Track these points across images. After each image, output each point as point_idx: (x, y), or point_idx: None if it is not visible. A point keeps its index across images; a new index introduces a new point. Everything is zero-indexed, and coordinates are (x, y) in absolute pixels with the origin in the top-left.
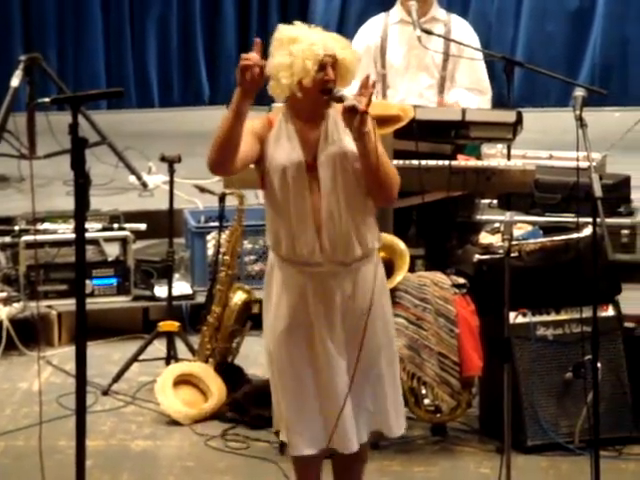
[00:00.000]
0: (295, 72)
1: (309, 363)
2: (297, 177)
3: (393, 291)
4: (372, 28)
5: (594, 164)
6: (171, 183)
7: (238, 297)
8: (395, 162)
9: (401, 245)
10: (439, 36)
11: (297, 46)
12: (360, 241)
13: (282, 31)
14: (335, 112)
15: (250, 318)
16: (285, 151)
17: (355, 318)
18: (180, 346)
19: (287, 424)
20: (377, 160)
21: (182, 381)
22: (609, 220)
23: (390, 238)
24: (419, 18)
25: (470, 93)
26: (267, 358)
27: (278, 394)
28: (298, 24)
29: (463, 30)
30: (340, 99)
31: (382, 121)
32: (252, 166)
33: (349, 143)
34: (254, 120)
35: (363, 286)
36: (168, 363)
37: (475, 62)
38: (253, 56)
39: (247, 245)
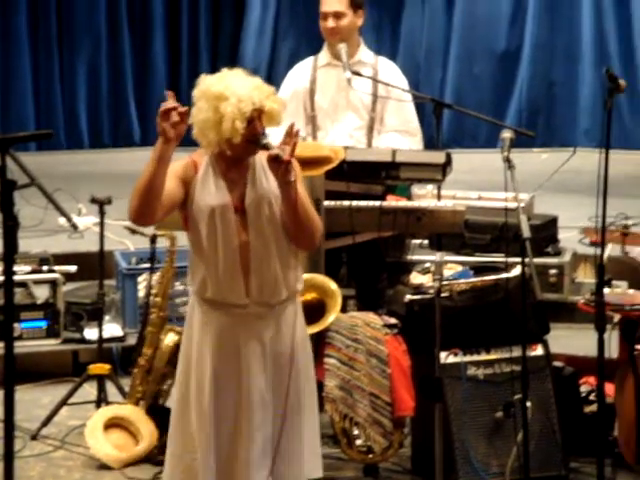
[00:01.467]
0: (224, 131)
1: (232, 408)
2: (225, 220)
3: (325, 332)
4: (300, 72)
5: (522, 205)
6: (101, 225)
7: (169, 339)
8: (326, 203)
9: (333, 286)
10: (368, 78)
11: (225, 105)
12: (286, 283)
13: (207, 84)
14: (262, 155)
15: None
16: (212, 194)
17: (279, 360)
18: (111, 389)
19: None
20: (300, 207)
21: (113, 424)
22: (537, 260)
23: (322, 279)
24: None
25: (400, 135)
26: (178, 402)
27: (185, 439)
28: (223, 73)
29: (390, 72)
30: (266, 147)
31: (313, 162)
32: None
33: (276, 188)
34: (177, 163)
35: (285, 328)
36: (99, 406)
37: (403, 104)
38: (171, 103)
39: (179, 286)
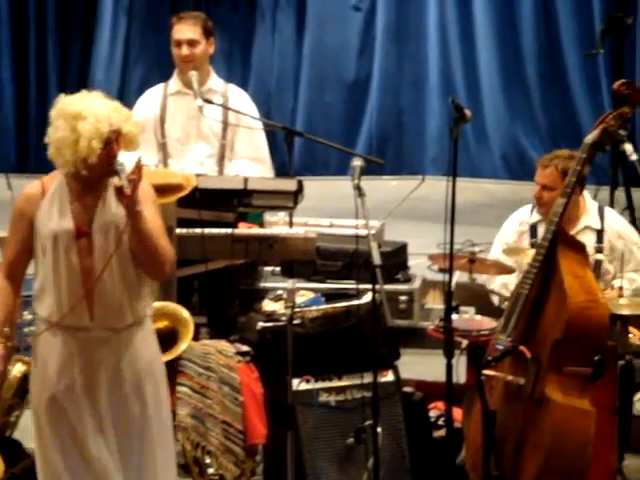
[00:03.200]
0: (80, 150)
1: (75, 434)
2: (67, 245)
3: (177, 360)
4: (151, 99)
5: (373, 232)
6: None
7: (17, 369)
8: (178, 230)
9: (185, 313)
10: (219, 105)
11: (82, 124)
12: (132, 309)
13: (65, 103)
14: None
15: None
16: (55, 219)
17: (124, 386)
18: None
19: None
20: (147, 237)
21: None
22: (388, 287)
23: (174, 306)
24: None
25: (251, 163)
26: (35, 428)
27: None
28: (82, 94)
29: (241, 100)
30: (117, 172)
31: (165, 190)
32: None
33: (123, 216)
34: (23, 197)
35: (131, 354)
36: None
37: (254, 132)
38: None
39: (27, 316)
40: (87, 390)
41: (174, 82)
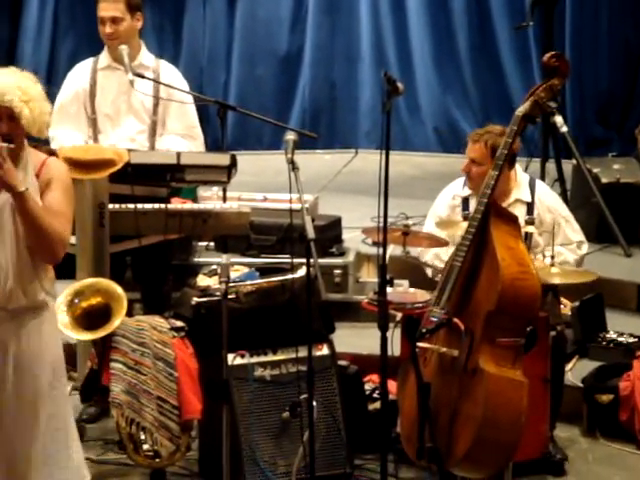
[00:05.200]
0: None
1: None
2: None
3: (111, 336)
4: (80, 74)
5: (307, 206)
6: None
7: None
8: (111, 206)
9: (118, 289)
10: (151, 80)
11: None
12: (25, 291)
13: None
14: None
15: None
16: None
17: (20, 369)
18: None
19: None
20: (34, 218)
21: None
22: (322, 260)
23: (107, 282)
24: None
25: (182, 139)
26: None
27: None
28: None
29: (172, 76)
30: None
31: (97, 165)
32: None
33: None
34: None
35: (26, 338)
36: None
37: (185, 107)
38: None
39: None
40: None
41: (104, 56)
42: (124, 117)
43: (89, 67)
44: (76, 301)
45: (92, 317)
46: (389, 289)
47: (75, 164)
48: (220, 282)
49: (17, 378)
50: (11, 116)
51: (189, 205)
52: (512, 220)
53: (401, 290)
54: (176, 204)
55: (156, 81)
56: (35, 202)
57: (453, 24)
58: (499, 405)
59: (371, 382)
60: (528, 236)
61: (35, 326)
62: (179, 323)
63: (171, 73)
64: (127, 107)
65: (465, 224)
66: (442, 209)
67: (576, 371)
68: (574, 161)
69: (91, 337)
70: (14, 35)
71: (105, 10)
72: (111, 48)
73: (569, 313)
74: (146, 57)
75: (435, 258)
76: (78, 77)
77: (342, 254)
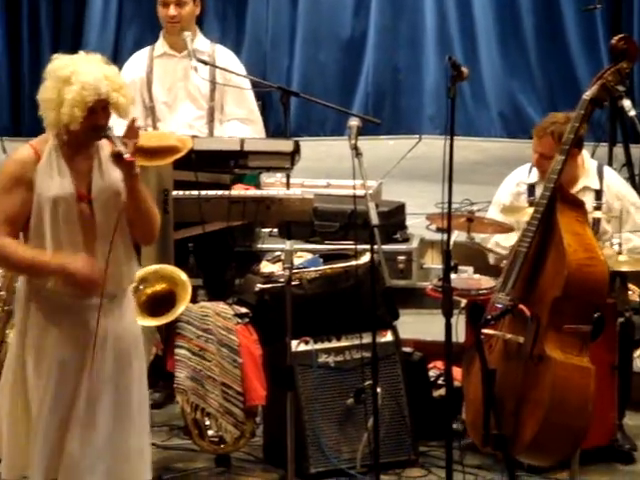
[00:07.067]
0: (62, 115)
1: (75, 394)
2: (67, 209)
3: (175, 322)
4: (137, 63)
5: (370, 192)
6: None
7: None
8: (175, 193)
9: (182, 276)
10: (213, 66)
11: (68, 88)
12: (128, 274)
13: (57, 65)
14: (107, 144)
15: None
16: (56, 183)
17: (118, 350)
18: None
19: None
20: (143, 200)
21: None
22: (386, 247)
23: (171, 269)
24: (180, 52)
25: (242, 123)
26: (10, 388)
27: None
28: (77, 56)
29: (228, 60)
30: (108, 138)
31: (160, 152)
32: None
33: (121, 180)
34: (18, 162)
35: (124, 321)
36: None
37: (243, 92)
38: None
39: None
40: (83, 357)
41: (160, 44)
42: (181, 104)
43: (145, 56)
44: (141, 287)
45: (157, 303)
46: (453, 275)
47: (139, 151)
48: (284, 269)
49: (116, 364)
50: (105, 107)
51: (252, 191)
52: (579, 206)
53: (465, 276)
54: (239, 190)
55: (217, 67)
56: (142, 184)
57: (518, 7)
58: (566, 391)
59: (435, 369)
60: (595, 222)
61: (127, 308)
62: (243, 309)
63: (227, 57)
64: (184, 94)
65: (531, 210)
66: (505, 197)
67: None
68: None
69: (156, 323)
70: (80, 22)
71: None
72: (169, 33)
73: (637, 300)
74: (201, 42)
75: (496, 246)
76: (135, 67)
77: (406, 240)
